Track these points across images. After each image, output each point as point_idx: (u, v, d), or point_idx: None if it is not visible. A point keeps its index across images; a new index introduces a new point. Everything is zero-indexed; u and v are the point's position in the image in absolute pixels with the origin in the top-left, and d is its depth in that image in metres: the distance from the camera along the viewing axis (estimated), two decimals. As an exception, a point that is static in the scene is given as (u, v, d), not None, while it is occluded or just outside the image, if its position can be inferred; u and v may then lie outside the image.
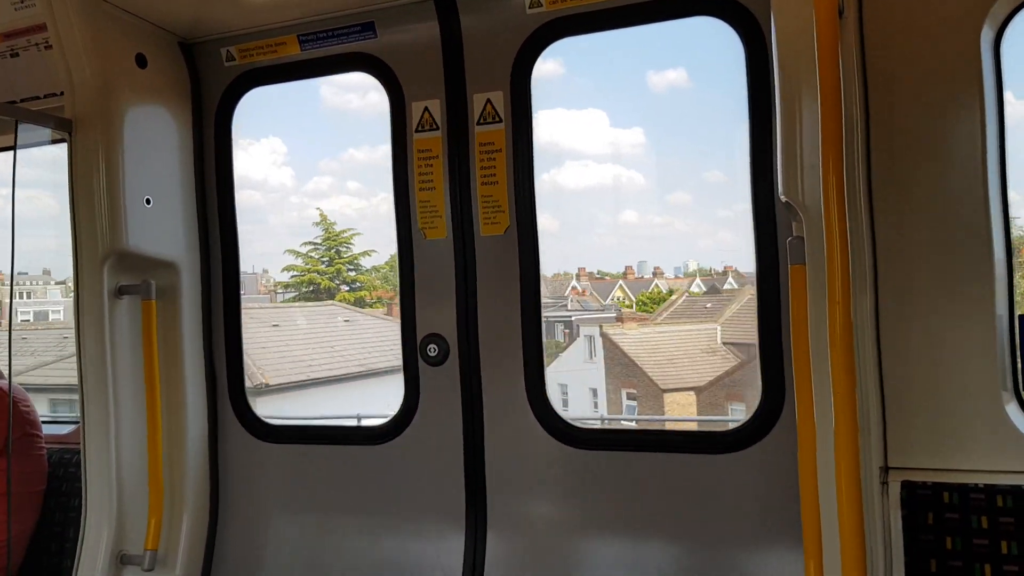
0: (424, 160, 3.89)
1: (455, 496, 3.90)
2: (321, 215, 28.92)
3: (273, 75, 4.19)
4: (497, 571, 3.81)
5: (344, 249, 28.15)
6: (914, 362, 2.79)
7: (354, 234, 28.35)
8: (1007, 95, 2.85)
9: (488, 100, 3.77)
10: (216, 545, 4.21)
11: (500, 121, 3.76)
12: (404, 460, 3.99)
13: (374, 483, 4.04)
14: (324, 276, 27.77)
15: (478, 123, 3.80)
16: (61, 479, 4.13)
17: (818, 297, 2.65)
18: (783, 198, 2.75)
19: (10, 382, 4.09)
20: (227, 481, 4.26)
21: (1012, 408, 2.77)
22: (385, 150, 4.01)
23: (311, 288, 27.57)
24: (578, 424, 3.80)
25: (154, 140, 3.98)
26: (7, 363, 4.29)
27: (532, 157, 3.79)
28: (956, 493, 2.65)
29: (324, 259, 28.09)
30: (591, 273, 30.29)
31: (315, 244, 28.14)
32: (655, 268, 30.81)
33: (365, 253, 28.00)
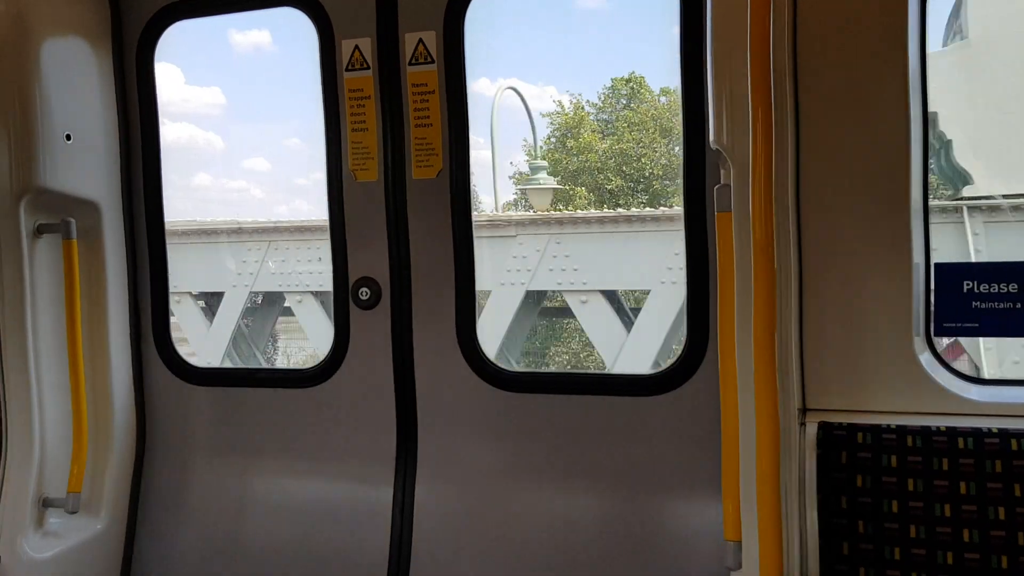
0: (356, 100, 3.82)
1: (385, 439, 3.92)
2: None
3: (197, 8, 4.05)
4: (426, 513, 3.86)
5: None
6: (834, 307, 2.86)
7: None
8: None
9: (420, 40, 3.70)
10: (142, 487, 4.17)
11: (432, 62, 3.70)
12: (334, 403, 3.99)
13: (303, 426, 4.03)
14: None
15: (410, 63, 3.73)
16: None
17: (743, 243, 2.70)
18: (713, 146, 2.78)
19: None
20: (154, 424, 4.20)
21: (924, 354, 2.87)
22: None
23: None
24: (508, 368, 3.83)
25: (73, 73, 3.82)
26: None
27: (466, 99, 3.75)
28: (869, 433, 2.74)
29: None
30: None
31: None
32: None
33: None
